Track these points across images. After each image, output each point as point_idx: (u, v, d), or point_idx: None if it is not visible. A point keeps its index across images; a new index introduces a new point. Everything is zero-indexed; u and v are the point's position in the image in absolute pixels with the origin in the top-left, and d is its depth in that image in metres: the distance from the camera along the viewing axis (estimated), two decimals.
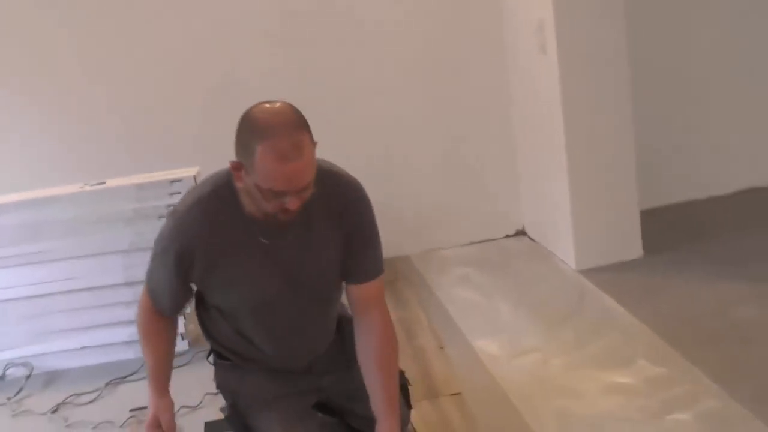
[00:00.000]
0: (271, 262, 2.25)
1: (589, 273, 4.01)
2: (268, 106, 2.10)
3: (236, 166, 2.10)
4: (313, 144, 2.08)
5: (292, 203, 2.07)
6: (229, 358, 2.52)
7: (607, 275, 3.96)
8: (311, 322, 2.42)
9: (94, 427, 3.24)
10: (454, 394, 3.09)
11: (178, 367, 3.58)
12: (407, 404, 2.55)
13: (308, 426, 2.46)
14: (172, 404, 2.45)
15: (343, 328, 2.52)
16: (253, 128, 2.05)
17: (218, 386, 2.60)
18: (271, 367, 2.47)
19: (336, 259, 2.31)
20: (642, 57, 4.27)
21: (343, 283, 2.38)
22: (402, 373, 2.49)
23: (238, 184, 2.13)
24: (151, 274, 2.37)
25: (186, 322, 3.76)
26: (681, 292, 3.70)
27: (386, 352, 2.33)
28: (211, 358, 2.60)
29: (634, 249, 4.12)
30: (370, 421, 2.31)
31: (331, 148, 4.53)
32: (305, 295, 2.33)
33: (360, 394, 2.35)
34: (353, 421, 2.55)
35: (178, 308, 2.41)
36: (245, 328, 2.41)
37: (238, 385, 2.52)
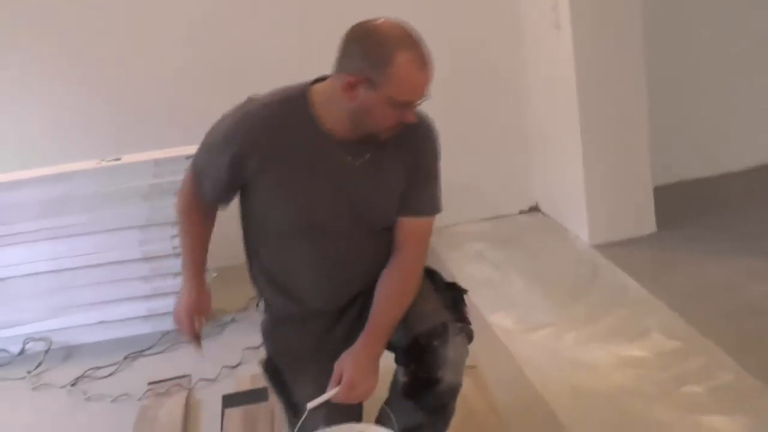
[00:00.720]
0: (334, 183, 2.19)
1: (603, 248, 4.02)
2: (383, 20, 2.07)
3: (354, 83, 2.03)
4: None
5: (412, 115, 2.08)
6: (273, 303, 2.45)
7: (621, 250, 3.97)
8: (361, 257, 2.31)
9: (113, 400, 3.27)
10: (470, 367, 3.10)
11: None
12: (460, 316, 2.36)
13: (324, 361, 2.35)
14: (209, 290, 2.45)
15: None
16: (385, 40, 2.02)
17: (263, 336, 2.52)
18: (309, 314, 2.39)
19: (398, 190, 2.24)
20: (656, 32, 4.26)
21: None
22: (454, 285, 2.42)
23: (350, 103, 2.06)
24: (199, 160, 2.31)
25: None
26: (694, 266, 3.72)
27: (403, 285, 2.27)
28: (261, 305, 2.52)
29: (648, 224, 4.13)
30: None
31: None
32: (362, 224, 2.25)
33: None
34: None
35: (221, 200, 2.34)
36: (285, 252, 2.31)
37: (274, 337, 2.47)
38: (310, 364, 2.37)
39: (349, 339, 2.29)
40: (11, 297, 3.74)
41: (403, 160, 2.23)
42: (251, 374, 3.28)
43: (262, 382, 3.15)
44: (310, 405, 2.17)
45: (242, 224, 2.40)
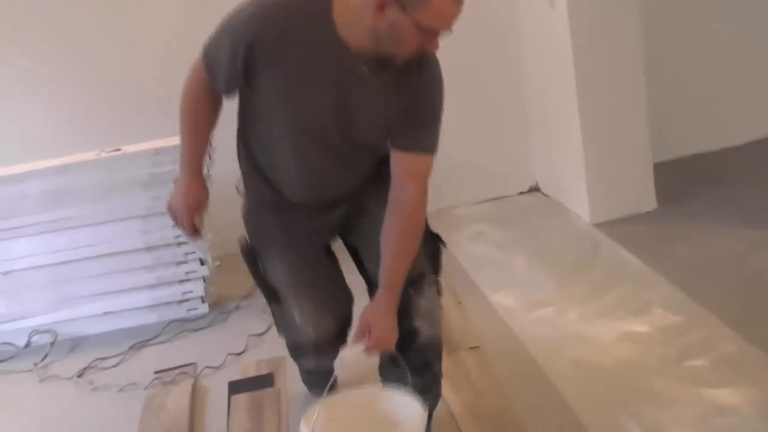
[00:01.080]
0: (339, 90, 2.21)
1: (604, 226, 4.03)
2: None
3: (384, 2, 2.02)
4: None
5: (436, 44, 2.13)
6: (248, 186, 2.54)
7: (622, 227, 3.98)
8: (343, 166, 2.39)
9: (120, 390, 3.29)
10: (473, 348, 3.12)
11: (200, 329, 3.67)
12: (436, 268, 2.48)
13: (314, 272, 2.52)
14: (207, 187, 2.50)
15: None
16: None
17: (243, 219, 2.61)
18: (289, 205, 2.46)
19: (394, 117, 2.25)
20: (653, 7, 4.25)
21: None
22: (437, 237, 2.49)
23: (375, 21, 2.05)
24: (211, 48, 2.31)
25: (206, 285, 3.80)
26: (696, 241, 3.73)
27: (408, 227, 2.31)
28: (242, 188, 2.58)
29: (648, 201, 4.14)
30: (374, 259, 2.36)
31: None
32: (352, 137, 2.30)
33: (373, 238, 2.35)
34: (363, 263, 2.54)
35: (231, 90, 2.34)
36: (274, 148, 2.38)
37: (254, 219, 2.55)
38: (286, 249, 2.47)
39: (328, 235, 2.53)
40: (16, 290, 3.75)
41: (407, 93, 2.24)
42: (256, 361, 3.30)
43: (268, 368, 3.20)
44: (337, 363, 2.28)
45: (239, 109, 2.43)
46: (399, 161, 2.30)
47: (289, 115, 2.28)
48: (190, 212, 2.47)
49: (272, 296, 2.56)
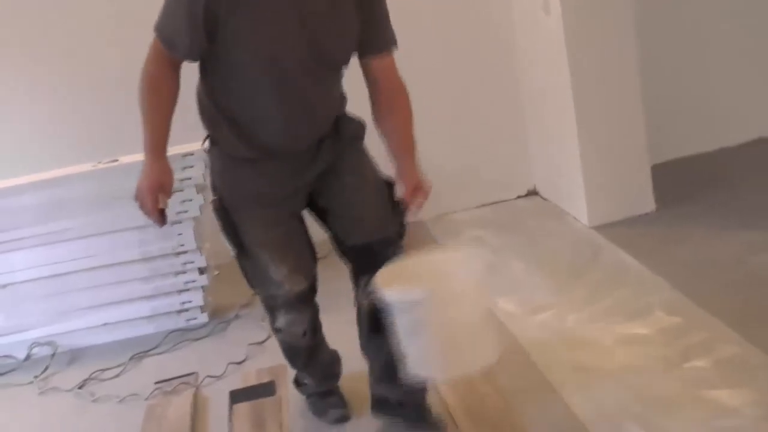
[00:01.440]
0: (297, 21, 2.32)
1: (602, 229, 4.02)
2: None
3: None
4: None
5: None
6: (222, 146, 2.56)
7: (620, 230, 3.98)
8: (322, 96, 2.51)
9: (120, 401, 3.28)
10: None
11: (200, 339, 3.67)
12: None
13: (290, 233, 2.60)
14: (170, 168, 2.51)
15: (341, 121, 2.61)
16: None
17: (211, 177, 2.66)
18: (265, 155, 2.51)
19: (355, 29, 2.42)
20: (647, 10, 4.26)
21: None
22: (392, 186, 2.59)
23: None
24: (166, 22, 2.38)
25: (205, 295, 3.80)
26: (695, 243, 3.72)
27: (401, 106, 2.55)
28: (206, 145, 2.63)
29: (647, 203, 4.14)
30: (351, 225, 2.58)
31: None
32: (323, 62, 2.42)
33: (342, 199, 2.57)
34: (334, 224, 2.64)
35: (195, 53, 2.40)
36: (252, 97, 2.42)
37: (228, 178, 2.57)
38: (265, 209, 2.56)
39: (302, 199, 2.59)
40: (15, 303, 3.75)
41: (357, 3, 2.40)
42: (257, 369, 3.30)
43: (268, 376, 3.19)
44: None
45: (201, 69, 2.49)
46: (375, 66, 2.51)
47: (264, 55, 2.35)
48: (154, 194, 2.45)
49: (242, 252, 2.59)
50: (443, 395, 2.87)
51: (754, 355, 2.78)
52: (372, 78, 2.53)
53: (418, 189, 2.52)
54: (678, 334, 2.99)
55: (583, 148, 4.01)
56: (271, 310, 2.73)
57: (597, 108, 3.98)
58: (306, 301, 2.70)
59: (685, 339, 2.95)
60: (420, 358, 2.28)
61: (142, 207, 2.48)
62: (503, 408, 2.78)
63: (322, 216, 2.67)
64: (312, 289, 2.71)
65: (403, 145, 2.56)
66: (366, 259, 2.54)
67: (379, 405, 2.78)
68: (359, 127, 2.62)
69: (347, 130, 2.60)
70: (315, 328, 2.80)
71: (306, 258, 2.66)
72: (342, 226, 2.61)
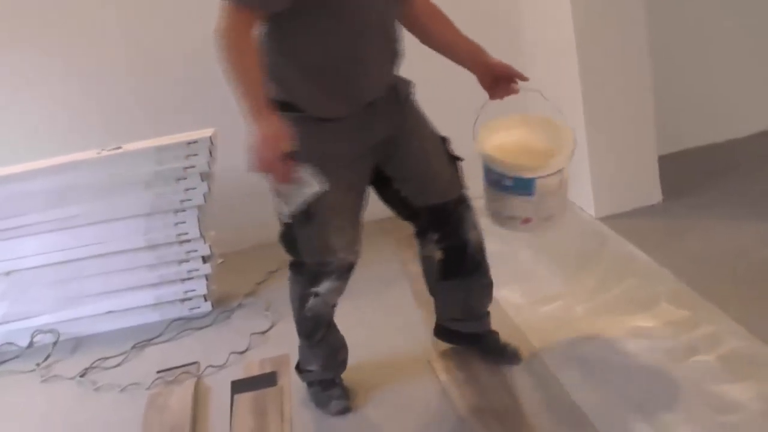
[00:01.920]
0: None
1: (609, 220, 4.00)
2: None
3: None
4: None
5: None
6: (304, 106, 2.50)
7: (627, 221, 3.95)
8: (393, 39, 2.58)
9: (122, 390, 3.27)
10: None
11: (203, 328, 3.65)
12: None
13: (356, 198, 2.65)
14: (282, 122, 2.39)
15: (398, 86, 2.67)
16: None
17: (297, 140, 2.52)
18: (345, 111, 2.52)
19: None
20: (658, 1, 4.22)
21: None
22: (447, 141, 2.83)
23: None
24: None
25: (208, 284, 3.78)
26: (702, 235, 3.69)
27: (440, 11, 2.76)
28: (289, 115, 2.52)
29: (654, 194, 4.10)
30: (423, 186, 2.73)
31: None
32: (390, 13, 2.53)
33: (414, 157, 2.70)
34: (404, 187, 2.74)
35: (283, 6, 2.33)
36: (337, 48, 2.42)
37: (307, 140, 2.47)
38: (340, 168, 2.54)
39: (372, 148, 2.62)
40: (18, 290, 3.74)
41: None
42: (260, 359, 3.29)
43: (271, 366, 3.18)
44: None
45: (276, 33, 2.42)
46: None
47: (348, 8, 2.38)
48: (277, 152, 2.37)
49: (306, 218, 2.56)
50: (448, 389, 2.85)
51: (759, 348, 2.76)
52: (413, 17, 2.65)
53: (507, 68, 2.79)
54: (685, 327, 2.97)
55: (590, 139, 3.97)
56: (317, 275, 2.69)
57: (605, 98, 3.94)
58: (351, 273, 2.73)
59: (691, 332, 2.93)
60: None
61: (271, 172, 2.42)
62: (509, 401, 2.75)
63: (386, 186, 2.74)
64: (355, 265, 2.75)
65: (463, 36, 2.75)
66: (438, 217, 2.78)
67: (451, 336, 3.06)
68: (411, 84, 2.71)
69: (402, 86, 2.67)
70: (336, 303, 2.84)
71: (361, 233, 2.70)
72: (414, 188, 2.73)
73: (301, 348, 2.92)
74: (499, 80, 2.79)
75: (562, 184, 2.86)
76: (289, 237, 2.65)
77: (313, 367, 2.91)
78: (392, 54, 2.60)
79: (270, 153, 2.36)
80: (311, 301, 2.75)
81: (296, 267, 2.75)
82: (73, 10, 4.10)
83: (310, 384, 2.96)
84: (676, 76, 4.49)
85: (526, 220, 2.83)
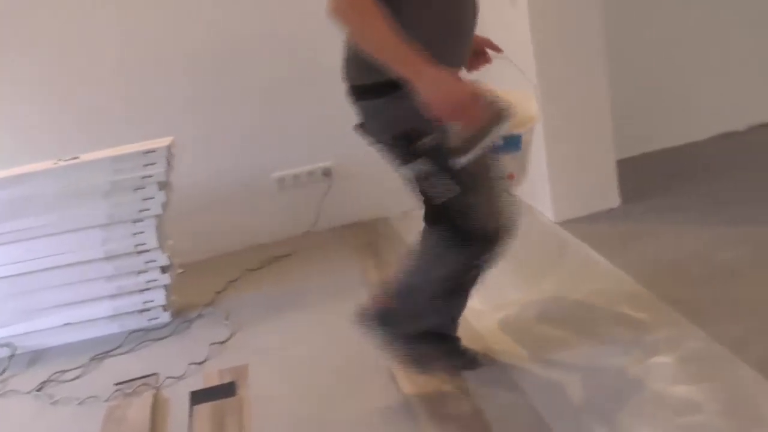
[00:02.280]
0: None
1: (568, 224, 4.01)
2: None
3: None
4: None
5: None
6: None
7: (586, 225, 3.96)
8: (475, 11, 2.61)
9: (80, 403, 3.23)
10: None
11: (162, 338, 3.62)
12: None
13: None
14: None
15: None
16: None
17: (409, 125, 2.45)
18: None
19: None
20: (613, 5, 4.24)
21: None
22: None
23: None
24: None
25: (167, 294, 3.75)
26: (660, 238, 3.71)
27: None
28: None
29: (612, 198, 4.12)
30: None
31: (312, 115, 4.52)
32: None
33: None
34: None
35: None
36: (451, 11, 2.46)
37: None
38: None
39: None
40: None
41: None
42: (219, 369, 3.26)
43: (230, 377, 3.15)
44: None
45: (410, 15, 2.33)
46: None
47: None
48: (472, 91, 2.30)
49: (470, 187, 2.52)
50: (406, 394, 2.84)
51: (717, 350, 2.77)
52: None
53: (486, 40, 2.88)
54: (643, 330, 2.98)
55: (548, 143, 3.98)
56: (488, 241, 2.66)
57: (562, 101, 3.96)
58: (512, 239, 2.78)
59: (650, 335, 2.94)
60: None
61: (460, 116, 2.29)
62: (467, 407, 2.75)
63: None
64: None
65: None
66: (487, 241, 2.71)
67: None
68: None
69: None
70: None
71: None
72: None
73: (420, 307, 2.82)
74: (477, 53, 2.82)
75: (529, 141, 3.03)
76: (458, 206, 2.56)
77: (431, 323, 2.87)
78: (476, 20, 2.61)
79: (456, 95, 2.27)
80: (472, 272, 2.74)
81: (459, 238, 2.65)
82: (29, 19, 4.05)
83: (421, 341, 2.87)
84: (634, 80, 4.52)
85: (511, 176, 2.92)
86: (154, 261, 3.71)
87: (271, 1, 4.23)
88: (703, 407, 2.50)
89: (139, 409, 3.08)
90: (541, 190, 4.15)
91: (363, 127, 2.61)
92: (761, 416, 2.43)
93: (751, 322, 2.92)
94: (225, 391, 3.07)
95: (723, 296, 3.13)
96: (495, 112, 2.33)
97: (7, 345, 3.68)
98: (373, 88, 2.45)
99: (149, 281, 3.73)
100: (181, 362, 3.34)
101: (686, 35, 4.64)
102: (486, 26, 4.34)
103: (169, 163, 3.65)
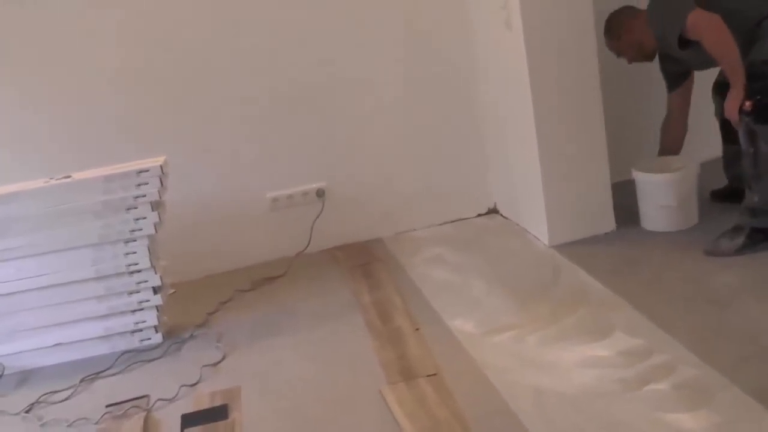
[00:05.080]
0: None
1: (563, 248, 4.00)
2: None
3: None
4: None
5: None
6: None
7: (581, 249, 3.96)
8: None
9: (69, 425, 3.19)
10: (431, 375, 3.07)
11: (154, 360, 3.59)
12: None
13: None
14: None
15: None
16: None
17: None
18: None
19: None
20: None
21: None
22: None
23: None
24: None
25: (159, 315, 3.72)
26: (656, 263, 3.71)
27: None
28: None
29: (607, 222, 4.12)
30: None
31: (305, 136, 4.51)
32: None
33: None
34: None
35: None
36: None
37: None
38: None
39: None
40: None
41: None
42: (210, 392, 3.23)
43: (222, 399, 3.12)
44: None
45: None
46: None
47: None
48: None
49: None
50: (400, 420, 2.81)
51: (712, 377, 2.76)
52: None
53: None
54: (638, 356, 2.96)
55: (543, 167, 3.98)
56: None
57: (558, 126, 3.96)
58: None
59: (645, 361, 2.92)
60: None
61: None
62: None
63: None
64: None
65: None
66: None
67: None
68: None
69: None
70: None
71: None
72: None
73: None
74: None
75: None
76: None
77: None
78: None
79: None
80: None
81: None
82: (20, 36, 4.04)
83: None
84: (629, 103, 4.53)
85: None
86: (146, 281, 3.67)
87: (265, 22, 4.23)
88: None
89: (129, 431, 3.04)
90: (535, 215, 4.15)
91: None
92: None
93: (746, 346, 2.91)
94: (217, 413, 3.04)
95: (718, 321, 3.12)
96: None
97: None
98: None
99: (141, 302, 3.70)
100: (173, 384, 3.30)
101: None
102: (482, 50, 4.38)
103: (161, 183, 3.63)
